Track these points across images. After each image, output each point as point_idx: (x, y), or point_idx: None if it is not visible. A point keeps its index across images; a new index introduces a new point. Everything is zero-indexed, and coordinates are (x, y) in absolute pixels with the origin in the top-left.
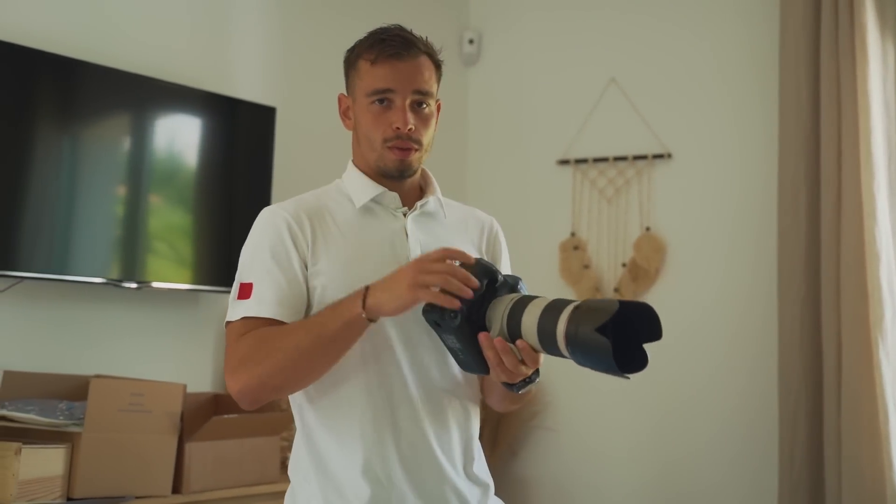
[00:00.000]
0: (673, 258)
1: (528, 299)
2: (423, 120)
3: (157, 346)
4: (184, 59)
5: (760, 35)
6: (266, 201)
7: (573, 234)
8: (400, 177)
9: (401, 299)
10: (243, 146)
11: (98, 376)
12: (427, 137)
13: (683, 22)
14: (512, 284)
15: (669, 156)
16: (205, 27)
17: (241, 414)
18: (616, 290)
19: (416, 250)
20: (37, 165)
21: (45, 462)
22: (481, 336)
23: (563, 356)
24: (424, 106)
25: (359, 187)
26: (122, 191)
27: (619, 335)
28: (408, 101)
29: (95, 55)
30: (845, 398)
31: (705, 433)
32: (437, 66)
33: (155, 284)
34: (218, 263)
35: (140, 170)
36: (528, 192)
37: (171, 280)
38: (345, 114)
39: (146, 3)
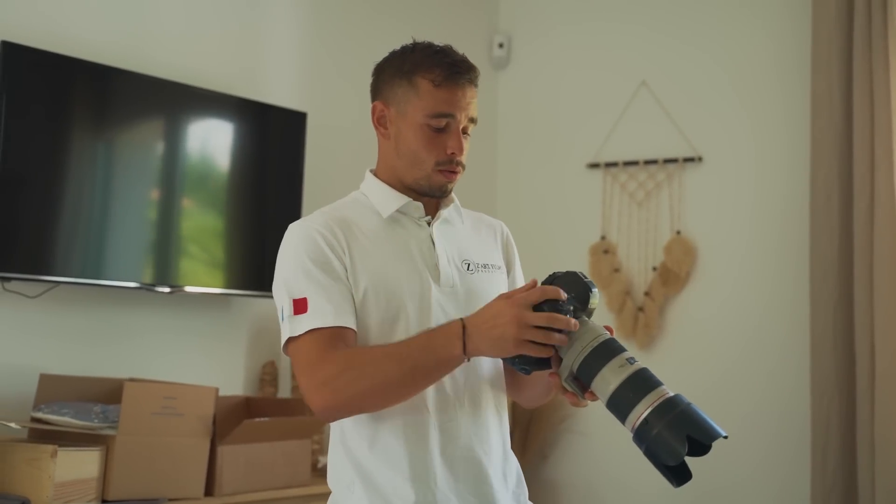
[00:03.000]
0: (704, 262)
1: (609, 352)
2: (467, 143)
3: (190, 350)
4: (216, 65)
5: (791, 37)
6: (297, 205)
7: (603, 238)
8: (440, 196)
9: (506, 352)
10: (275, 151)
11: (132, 380)
12: (466, 156)
13: (714, 24)
14: (584, 289)
15: (700, 159)
16: (236, 34)
17: (273, 417)
18: (647, 293)
19: (442, 258)
20: (72, 171)
21: (81, 464)
22: (553, 381)
23: (621, 423)
24: (468, 131)
25: (383, 199)
26: (155, 195)
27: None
28: (461, 127)
29: (130, 63)
30: (879, 403)
31: (737, 436)
32: (476, 86)
33: (187, 289)
34: (250, 267)
35: (173, 174)
36: (557, 196)
37: (203, 284)
38: (380, 122)
39: (179, 12)
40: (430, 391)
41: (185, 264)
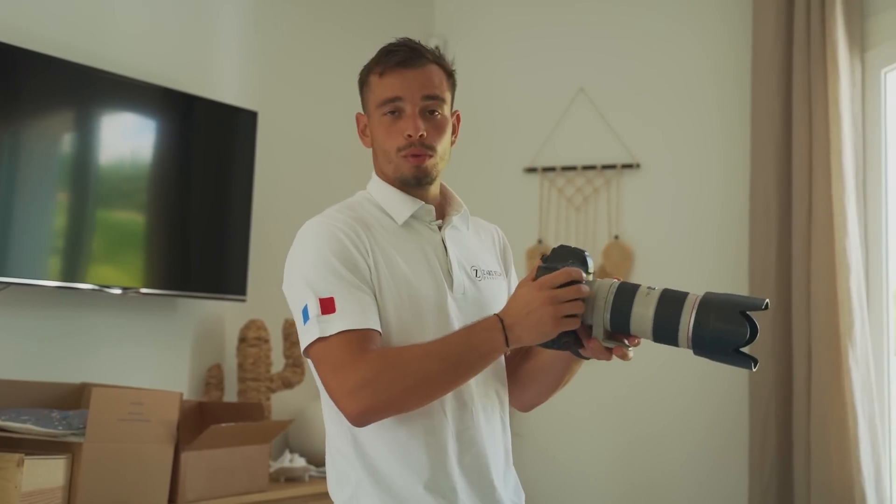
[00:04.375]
0: (641, 266)
1: (629, 289)
2: (436, 126)
3: (135, 353)
4: (164, 60)
5: (731, 47)
6: (248, 205)
7: (540, 242)
8: (418, 184)
9: (546, 335)
10: (225, 150)
11: (86, 384)
12: (441, 144)
13: (653, 32)
14: (581, 256)
15: (638, 165)
16: (185, 28)
17: (237, 423)
18: None
19: (454, 264)
20: (24, 164)
21: (47, 473)
22: (594, 347)
23: (673, 345)
24: (437, 113)
25: (396, 202)
26: (99, 196)
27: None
28: (418, 109)
29: (70, 52)
30: (815, 405)
31: (675, 438)
32: (450, 74)
33: (133, 291)
34: (197, 269)
35: (116, 173)
36: (494, 200)
37: (148, 286)
38: (362, 132)
39: (137, 7)
40: (448, 395)
41: (128, 265)
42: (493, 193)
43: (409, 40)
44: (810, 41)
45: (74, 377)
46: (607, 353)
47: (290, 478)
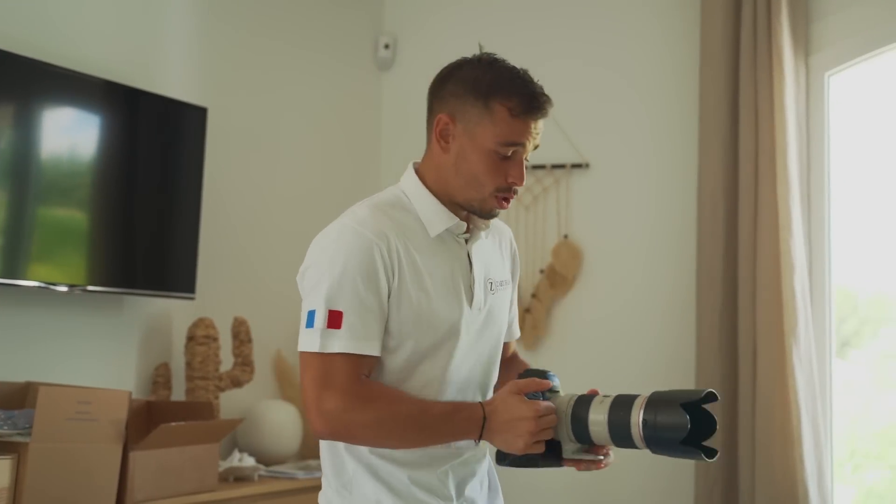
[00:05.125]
0: (590, 265)
1: (586, 399)
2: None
3: (80, 351)
4: (109, 52)
5: (680, 50)
6: (197, 202)
7: None
8: (487, 218)
9: (514, 449)
10: (175, 146)
11: (30, 383)
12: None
13: (603, 35)
14: (541, 372)
15: (587, 165)
16: (132, 20)
17: (187, 422)
18: (534, 295)
19: (477, 281)
20: None
21: None
22: (565, 464)
23: (634, 447)
24: (528, 158)
25: (433, 215)
26: (46, 190)
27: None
28: (525, 156)
29: (9, 43)
30: (760, 403)
31: None
32: None
33: (79, 288)
34: (143, 266)
35: (61, 168)
36: None
37: (94, 283)
38: (442, 136)
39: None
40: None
41: (74, 262)
42: None
43: (540, 86)
44: (756, 45)
45: (19, 376)
46: (579, 465)
47: (240, 477)
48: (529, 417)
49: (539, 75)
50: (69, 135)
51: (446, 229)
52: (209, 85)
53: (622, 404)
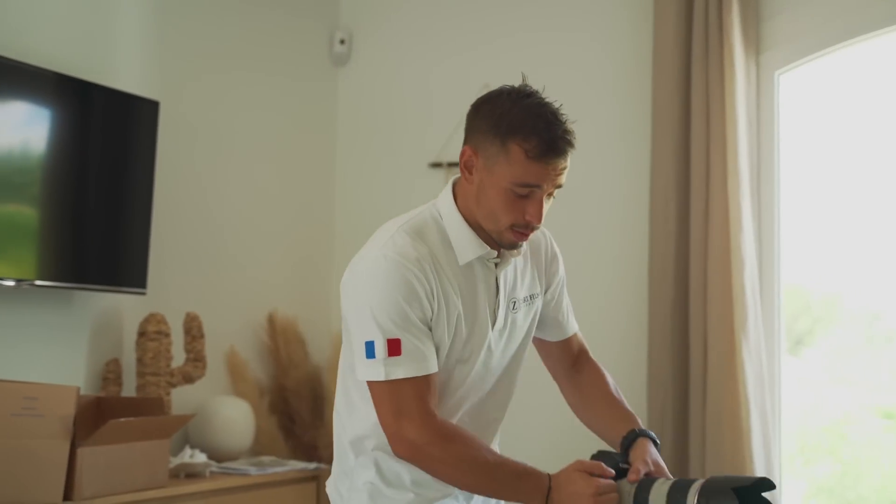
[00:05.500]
0: None
1: (648, 482)
2: (548, 203)
3: (28, 347)
4: (59, 44)
5: (633, 48)
6: (149, 197)
7: None
8: (509, 249)
9: None
10: (126, 140)
11: None
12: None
13: (557, 32)
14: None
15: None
16: (83, 11)
17: (137, 417)
18: None
19: (502, 304)
20: None
21: None
22: None
23: None
24: (555, 194)
25: (465, 243)
26: None
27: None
28: (545, 195)
29: None
30: (710, 396)
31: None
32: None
33: (27, 283)
34: (98, 263)
35: (12, 163)
36: (399, 195)
37: (43, 278)
38: (466, 167)
39: None
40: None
41: (22, 257)
42: (399, 189)
43: (565, 124)
44: (708, 43)
45: None
46: None
47: (191, 473)
48: (589, 494)
49: (493, 71)
50: (19, 129)
51: (479, 257)
52: (162, 78)
53: (680, 489)
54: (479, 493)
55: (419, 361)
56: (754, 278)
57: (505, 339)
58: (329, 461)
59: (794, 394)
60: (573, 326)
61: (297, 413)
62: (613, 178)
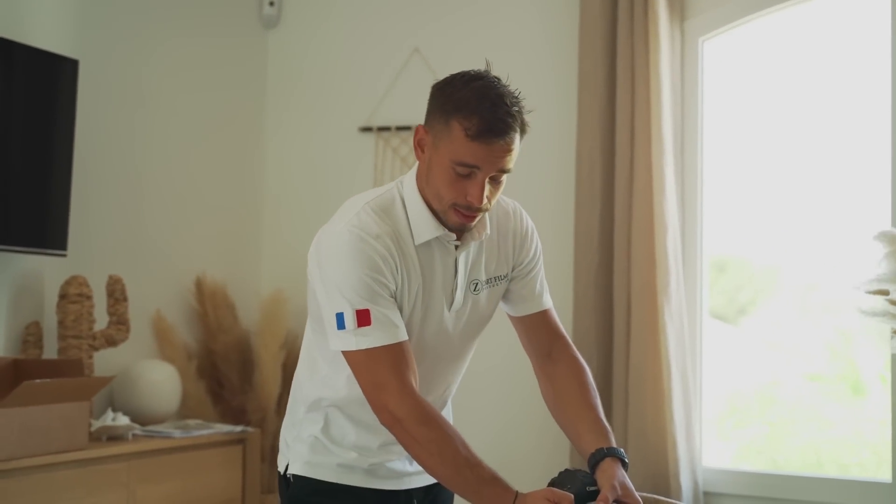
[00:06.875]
0: None
1: None
2: (496, 188)
3: None
4: None
5: (561, 14)
6: (69, 157)
7: None
8: (457, 231)
9: None
10: (44, 99)
11: None
12: (494, 201)
13: None
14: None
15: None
16: None
17: (53, 379)
18: None
19: (459, 287)
20: None
21: None
22: None
23: None
24: (502, 178)
25: (422, 224)
26: None
27: None
28: (488, 177)
29: None
30: (633, 358)
31: (500, 392)
32: (524, 133)
33: None
34: (17, 223)
35: None
36: (329, 159)
37: None
38: (419, 145)
39: None
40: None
41: None
42: (328, 152)
43: (511, 109)
44: (633, 10)
45: None
46: None
47: (113, 437)
48: None
49: (423, 35)
50: None
51: (436, 238)
52: (83, 37)
53: None
54: (444, 482)
55: (389, 329)
56: (677, 243)
57: (464, 320)
58: (257, 425)
59: (727, 360)
60: (545, 302)
61: (225, 378)
62: (539, 144)
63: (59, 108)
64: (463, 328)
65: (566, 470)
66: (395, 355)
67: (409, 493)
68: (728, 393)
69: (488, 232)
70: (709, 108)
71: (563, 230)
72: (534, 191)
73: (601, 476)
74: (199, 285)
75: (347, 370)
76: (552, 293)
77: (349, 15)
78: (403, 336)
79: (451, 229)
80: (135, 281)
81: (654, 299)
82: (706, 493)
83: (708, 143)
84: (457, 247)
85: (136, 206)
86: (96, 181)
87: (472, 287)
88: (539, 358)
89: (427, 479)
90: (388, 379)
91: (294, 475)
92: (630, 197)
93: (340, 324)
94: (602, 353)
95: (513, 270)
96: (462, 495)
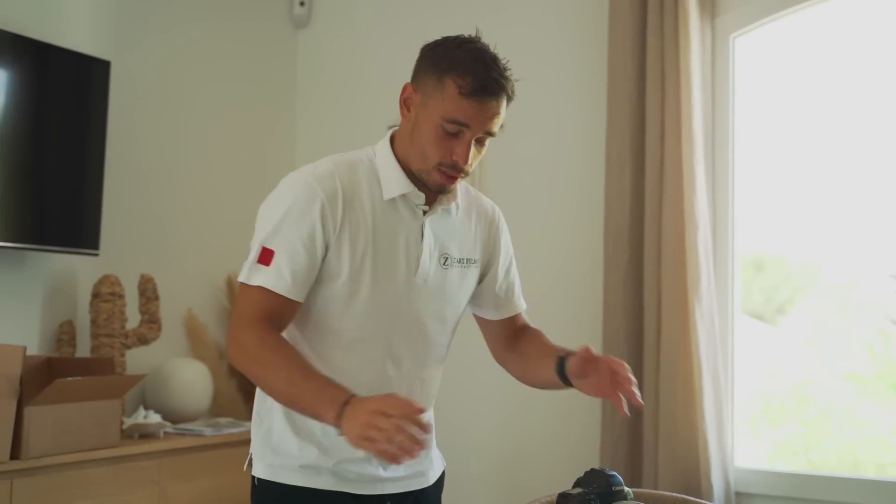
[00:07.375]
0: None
1: None
2: (479, 151)
3: None
4: (11, 4)
5: (590, 11)
6: (101, 157)
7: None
8: (437, 192)
9: (351, 442)
10: (77, 100)
11: None
12: (475, 165)
13: None
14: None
15: (501, 127)
16: None
17: (85, 377)
18: None
19: (425, 252)
20: None
21: None
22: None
23: None
24: (486, 141)
25: (392, 179)
26: None
27: None
28: (475, 138)
29: None
30: (664, 357)
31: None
32: (510, 100)
33: None
34: (47, 222)
35: None
36: None
37: None
38: (405, 104)
39: None
40: (375, 381)
41: None
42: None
43: (503, 72)
44: (664, 6)
45: None
46: None
47: (144, 434)
48: (363, 414)
49: (452, 34)
50: None
51: (404, 197)
52: (115, 38)
53: None
54: (282, 397)
55: (279, 279)
56: (707, 240)
57: (433, 296)
58: None
59: (762, 359)
60: (521, 305)
61: None
62: (569, 142)
63: (91, 108)
64: (432, 306)
65: (592, 469)
66: (272, 304)
67: (382, 498)
68: (763, 393)
69: (458, 203)
70: (740, 106)
71: (592, 229)
72: (563, 190)
73: (572, 359)
74: (231, 284)
75: (319, 352)
76: (582, 292)
77: (378, 15)
78: (291, 294)
79: (430, 191)
80: (166, 280)
81: (685, 298)
82: (738, 494)
83: (740, 140)
84: (425, 212)
85: (167, 205)
86: (128, 181)
87: (443, 260)
88: (505, 346)
89: (404, 486)
90: (252, 313)
91: (259, 479)
92: (660, 195)
93: (248, 254)
94: (632, 353)
95: (486, 266)
96: (300, 405)
